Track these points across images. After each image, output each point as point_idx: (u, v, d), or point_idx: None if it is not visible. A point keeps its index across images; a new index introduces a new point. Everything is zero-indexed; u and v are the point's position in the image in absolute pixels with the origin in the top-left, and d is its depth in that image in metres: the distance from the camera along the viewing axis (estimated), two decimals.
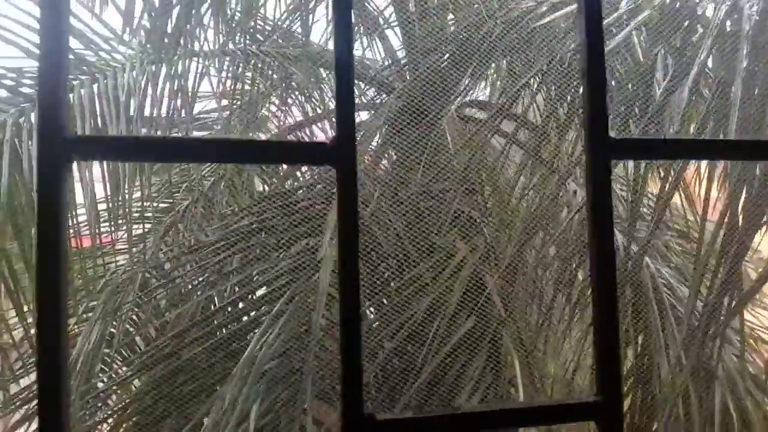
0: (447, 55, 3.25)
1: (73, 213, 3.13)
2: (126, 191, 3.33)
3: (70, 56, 3.20)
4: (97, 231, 3.22)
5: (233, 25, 3.32)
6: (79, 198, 3.16)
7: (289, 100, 4.10)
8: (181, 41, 3.15)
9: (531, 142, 2.70)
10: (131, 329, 3.59)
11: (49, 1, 0.85)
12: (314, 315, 2.53)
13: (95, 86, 3.09)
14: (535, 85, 2.68)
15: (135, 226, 3.73)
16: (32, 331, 3.40)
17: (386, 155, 3.35)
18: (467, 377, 2.43)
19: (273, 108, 4.20)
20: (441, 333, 2.45)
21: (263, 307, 2.78)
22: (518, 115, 2.79)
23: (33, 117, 2.97)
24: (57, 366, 0.80)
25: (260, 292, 3.14)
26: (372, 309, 2.80)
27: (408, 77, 3.47)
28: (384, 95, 3.71)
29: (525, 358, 2.73)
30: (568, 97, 2.69)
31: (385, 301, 2.74)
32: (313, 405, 2.59)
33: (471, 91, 3.31)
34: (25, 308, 3.29)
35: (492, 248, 2.70)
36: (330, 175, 3.12)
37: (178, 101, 3.27)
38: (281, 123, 3.92)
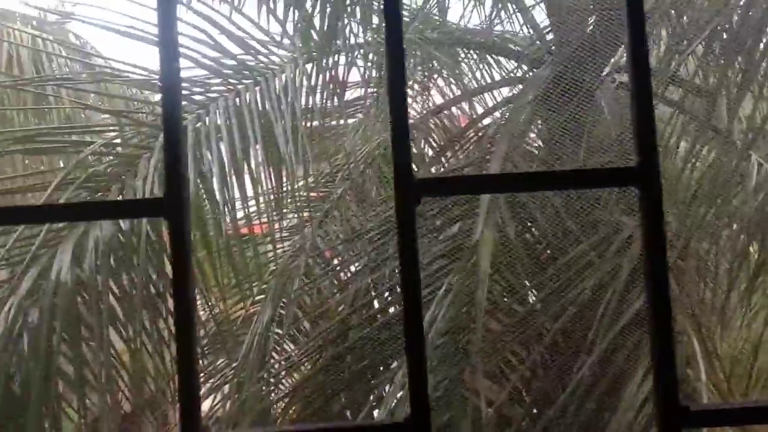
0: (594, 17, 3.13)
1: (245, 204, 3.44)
2: (288, 182, 3.59)
3: (233, 61, 3.48)
4: (269, 219, 3.51)
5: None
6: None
7: (430, 84, 4.15)
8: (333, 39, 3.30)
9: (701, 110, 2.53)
10: (299, 312, 3.86)
11: None
12: (478, 293, 2.57)
13: (257, 89, 3.33)
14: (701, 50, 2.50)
15: (296, 215, 4.01)
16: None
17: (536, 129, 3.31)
18: (640, 357, 2.36)
19: (412, 92, 4.27)
20: (609, 314, 2.41)
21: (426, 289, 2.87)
22: (685, 80, 2.63)
23: (207, 120, 3.26)
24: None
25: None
26: (534, 291, 2.81)
27: (555, 48, 3.38)
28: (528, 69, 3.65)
29: (700, 335, 2.61)
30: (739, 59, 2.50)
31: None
32: (479, 382, 2.66)
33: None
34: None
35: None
36: None
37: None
38: (423, 106, 3.99)
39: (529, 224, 2.89)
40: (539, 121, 3.37)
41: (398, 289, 3.34)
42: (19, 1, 5.25)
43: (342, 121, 3.83)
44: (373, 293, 3.41)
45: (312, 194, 3.89)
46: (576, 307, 2.51)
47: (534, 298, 2.83)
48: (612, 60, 3.15)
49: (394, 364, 3.01)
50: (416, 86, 4.14)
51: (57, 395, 2.81)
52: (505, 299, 2.85)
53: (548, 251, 2.83)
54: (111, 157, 3.17)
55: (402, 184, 0.94)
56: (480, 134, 3.83)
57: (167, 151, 0.93)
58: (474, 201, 2.99)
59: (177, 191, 0.92)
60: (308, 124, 3.45)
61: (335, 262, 3.81)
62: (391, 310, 3.34)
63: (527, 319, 2.70)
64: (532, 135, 3.51)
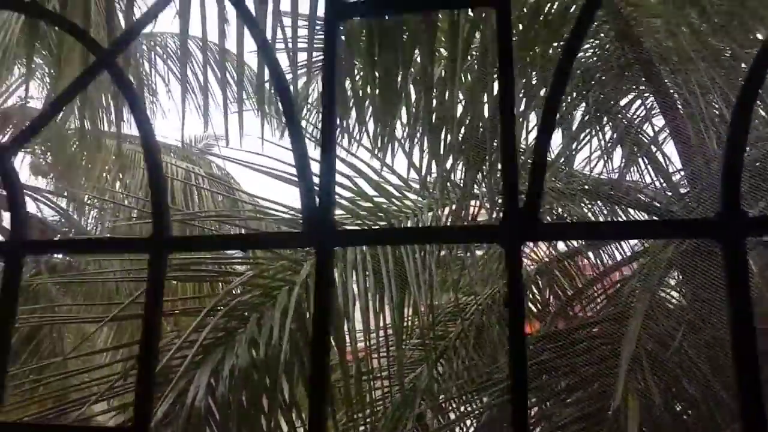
0: None
1: None
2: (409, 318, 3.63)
3: (369, 204, 3.68)
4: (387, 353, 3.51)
5: None
6: None
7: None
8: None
9: None
10: None
11: None
12: None
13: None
14: None
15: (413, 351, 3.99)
16: None
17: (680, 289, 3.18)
18: None
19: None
20: None
21: None
22: None
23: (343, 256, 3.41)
24: None
25: None
26: None
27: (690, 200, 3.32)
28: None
29: None
30: None
31: None
32: None
33: None
34: None
35: None
36: None
37: None
38: (548, 253, 3.98)
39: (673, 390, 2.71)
40: (677, 274, 3.26)
41: None
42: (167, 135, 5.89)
43: (468, 253, 3.88)
44: None
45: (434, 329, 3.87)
46: None
47: None
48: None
49: None
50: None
51: None
52: None
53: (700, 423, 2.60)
54: (251, 287, 3.36)
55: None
56: (607, 286, 3.74)
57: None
58: (610, 358, 2.86)
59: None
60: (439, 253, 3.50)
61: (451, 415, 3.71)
62: None
63: None
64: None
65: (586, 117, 3.47)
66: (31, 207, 7.13)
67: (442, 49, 3.32)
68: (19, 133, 0.78)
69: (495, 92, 2.78)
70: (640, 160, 3.77)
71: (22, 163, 7.38)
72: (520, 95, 3.35)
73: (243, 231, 4.56)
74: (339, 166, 3.75)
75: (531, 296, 3.92)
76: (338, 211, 3.72)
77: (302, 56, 3.85)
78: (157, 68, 6.36)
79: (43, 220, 7.07)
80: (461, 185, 3.36)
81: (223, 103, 2.13)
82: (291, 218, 3.35)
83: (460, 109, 3.21)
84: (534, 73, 3.32)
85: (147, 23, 1.03)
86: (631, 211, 3.84)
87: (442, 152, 3.02)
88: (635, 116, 3.64)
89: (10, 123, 6.85)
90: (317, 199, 0.73)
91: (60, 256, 7.41)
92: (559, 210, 3.93)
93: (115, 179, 6.02)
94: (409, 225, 3.52)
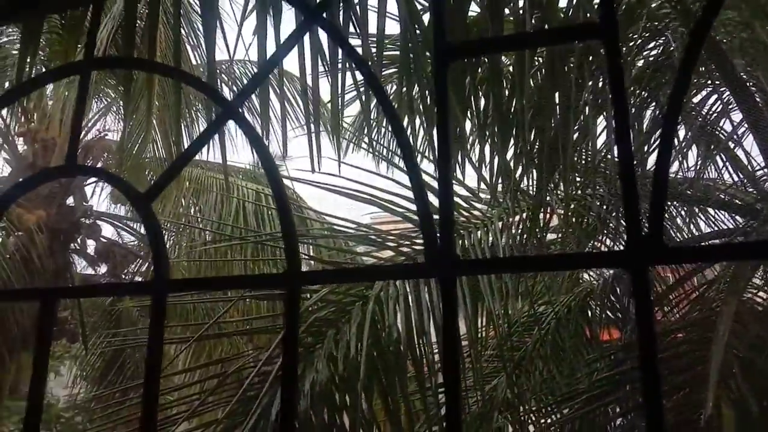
0: None
1: None
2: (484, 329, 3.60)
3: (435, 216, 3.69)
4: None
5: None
6: None
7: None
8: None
9: None
10: None
11: None
12: None
13: (460, 241, 3.47)
14: None
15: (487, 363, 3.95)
16: None
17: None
18: None
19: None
20: None
21: None
22: None
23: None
24: None
25: None
26: None
27: None
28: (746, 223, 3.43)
29: None
30: None
31: None
32: None
33: None
34: None
35: None
36: None
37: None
38: None
39: None
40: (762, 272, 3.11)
41: None
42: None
43: None
44: None
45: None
46: None
47: None
48: None
49: None
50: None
51: None
52: None
53: None
54: (324, 303, 3.41)
55: None
56: (689, 290, 3.60)
57: None
58: (698, 365, 2.75)
59: None
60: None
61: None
62: None
63: None
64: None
65: (659, 114, 3.37)
66: (109, 232, 7.47)
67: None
68: (157, 180, 0.84)
69: (564, 93, 2.73)
70: (717, 157, 3.63)
71: (101, 192, 7.79)
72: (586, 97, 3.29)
73: (311, 248, 4.65)
74: (404, 178, 3.78)
75: (609, 304, 3.82)
76: (407, 224, 3.74)
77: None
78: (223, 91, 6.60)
79: (125, 245, 7.43)
80: (532, 193, 3.32)
81: (282, 124, 2.19)
82: (363, 234, 3.39)
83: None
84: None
85: (268, 74, 1.08)
86: (711, 210, 3.70)
87: (511, 160, 2.99)
88: (711, 112, 3.51)
89: (90, 155, 7.25)
90: (437, 230, 0.76)
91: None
92: None
93: (189, 204, 6.27)
94: (479, 236, 3.50)
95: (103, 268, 7.65)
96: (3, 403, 7.94)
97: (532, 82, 2.88)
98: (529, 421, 3.76)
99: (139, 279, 8.09)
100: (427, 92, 2.43)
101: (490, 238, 3.36)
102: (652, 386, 0.64)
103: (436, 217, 0.79)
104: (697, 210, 3.71)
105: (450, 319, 0.73)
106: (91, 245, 7.19)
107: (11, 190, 0.93)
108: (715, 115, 3.50)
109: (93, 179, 7.49)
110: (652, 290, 3.78)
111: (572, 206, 3.67)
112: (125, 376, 7.04)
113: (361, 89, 2.35)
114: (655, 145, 3.72)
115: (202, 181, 6.10)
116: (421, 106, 2.69)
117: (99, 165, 7.49)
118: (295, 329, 0.78)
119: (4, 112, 7.15)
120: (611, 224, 3.71)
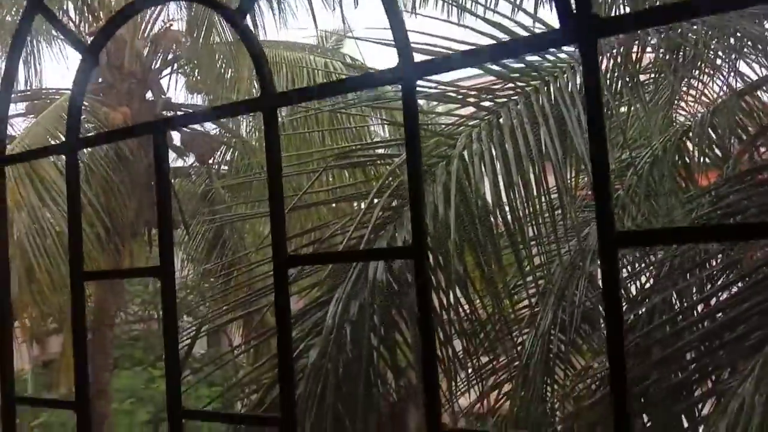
0: None
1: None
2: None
3: (522, 65, 3.47)
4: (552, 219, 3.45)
5: None
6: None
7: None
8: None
9: None
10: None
11: None
12: None
13: (544, 88, 3.30)
14: None
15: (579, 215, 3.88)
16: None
17: None
18: None
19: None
20: None
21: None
22: None
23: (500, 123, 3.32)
24: None
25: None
26: None
27: None
28: None
29: None
30: None
31: None
32: None
33: None
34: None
35: None
36: None
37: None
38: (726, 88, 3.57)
39: None
40: None
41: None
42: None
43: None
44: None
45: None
46: None
47: None
48: None
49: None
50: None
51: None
52: None
53: None
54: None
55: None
56: None
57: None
58: None
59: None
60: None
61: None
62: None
63: None
64: None
65: None
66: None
67: None
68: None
69: None
70: None
71: (177, 84, 7.92)
72: None
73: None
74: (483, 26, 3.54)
75: (707, 142, 3.59)
76: (487, 78, 3.57)
77: None
78: None
79: (207, 132, 7.64)
80: None
81: None
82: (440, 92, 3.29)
83: None
84: None
85: None
86: None
87: None
88: None
89: (160, 47, 7.30)
90: None
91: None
92: None
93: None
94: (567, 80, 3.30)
95: (191, 159, 7.94)
96: (125, 288, 8.76)
97: None
98: None
99: (225, 168, 8.41)
100: None
101: None
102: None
103: None
104: None
105: (594, 86, 0.67)
106: (176, 137, 7.42)
107: None
108: None
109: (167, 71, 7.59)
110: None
111: None
112: (226, 256, 7.50)
113: None
114: None
115: (272, 59, 6.07)
116: None
117: (169, 57, 7.53)
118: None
119: (72, 12, 7.23)
120: None
